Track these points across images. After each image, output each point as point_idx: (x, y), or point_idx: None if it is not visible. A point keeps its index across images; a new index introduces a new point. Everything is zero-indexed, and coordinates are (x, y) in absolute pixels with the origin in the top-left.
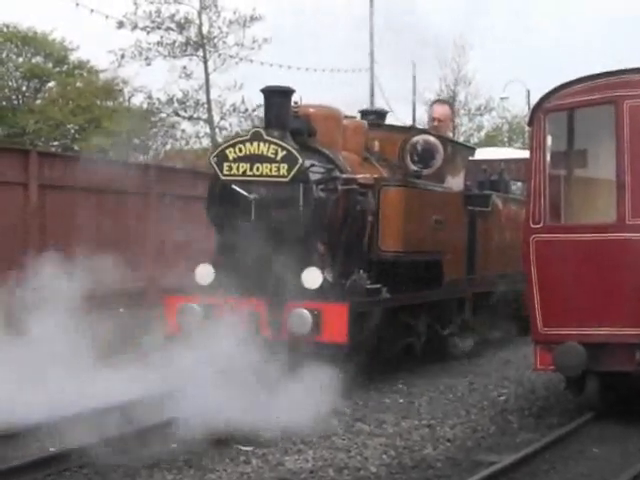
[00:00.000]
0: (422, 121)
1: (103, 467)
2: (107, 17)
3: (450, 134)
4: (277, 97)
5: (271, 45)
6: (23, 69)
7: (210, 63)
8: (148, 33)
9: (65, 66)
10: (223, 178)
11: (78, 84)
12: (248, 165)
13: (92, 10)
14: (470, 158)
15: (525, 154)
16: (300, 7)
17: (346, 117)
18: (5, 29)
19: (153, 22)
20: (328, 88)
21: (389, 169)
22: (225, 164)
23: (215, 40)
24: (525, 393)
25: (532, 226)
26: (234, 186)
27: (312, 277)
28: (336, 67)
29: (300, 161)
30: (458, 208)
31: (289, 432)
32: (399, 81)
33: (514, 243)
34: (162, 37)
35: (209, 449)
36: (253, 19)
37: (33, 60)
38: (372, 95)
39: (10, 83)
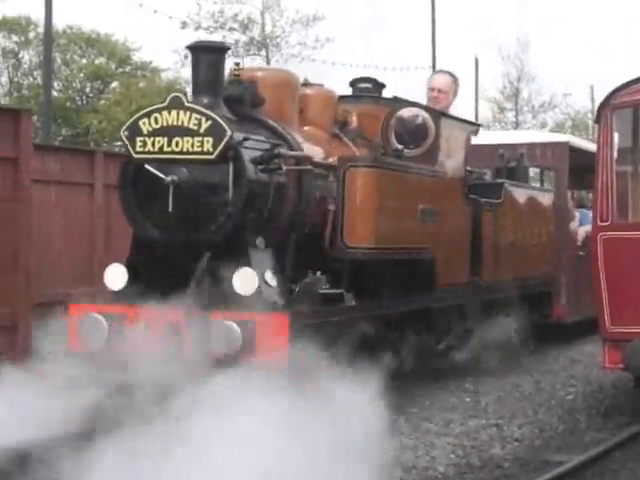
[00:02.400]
0: (485, 117)
1: None
2: (170, 18)
3: (452, 109)
4: (207, 55)
5: (333, 43)
6: (87, 70)
7: (273, 62)
8: (211, 33)
9: (128, 67)
10: (136, 157)
11: (141, 84)
12: (166, 140)
13: (155, 11)
14: (474, 137)
15: (551, 137)
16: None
17: (307, 84)
18: (69, 31)
19: (216, 22)
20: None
21: (369, 149)
22: (138, 139)
23: (278, 39)
24: (593, 392)
25: (599, 224)
26: (147, 166)
27: (244, 280)
28: (398, 65)
29: (229, 133)
30: (456, 197)
31: None
32: (461, 78)
33: (536, 241)
34: (225, 37)
35: None
36: (316, 18)
37: (96, 61)
38: None
39: (74, 84)
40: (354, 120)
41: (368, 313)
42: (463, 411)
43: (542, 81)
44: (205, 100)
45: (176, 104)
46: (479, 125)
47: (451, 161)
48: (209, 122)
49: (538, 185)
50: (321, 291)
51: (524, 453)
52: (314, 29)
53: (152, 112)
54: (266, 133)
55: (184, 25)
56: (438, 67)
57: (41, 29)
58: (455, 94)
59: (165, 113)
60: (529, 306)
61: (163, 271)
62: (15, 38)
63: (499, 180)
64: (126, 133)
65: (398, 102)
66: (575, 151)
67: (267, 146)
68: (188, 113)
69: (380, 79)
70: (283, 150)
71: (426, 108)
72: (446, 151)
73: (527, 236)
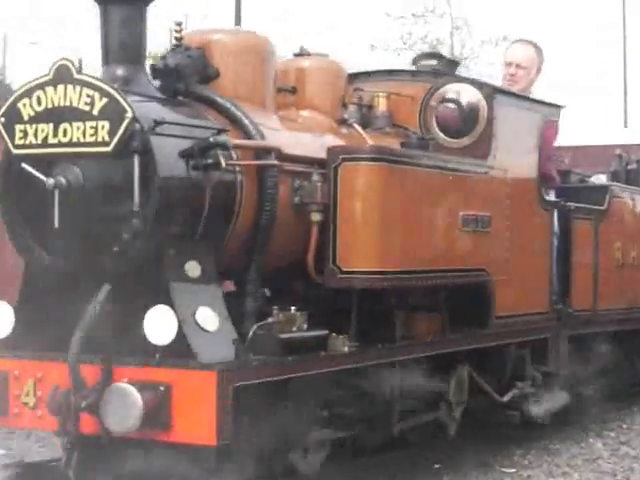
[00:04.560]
0: None
1: None
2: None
3: (534, 90)
4: (119, 8)
5: None
6: None
7: None
8: (399, 55)
9: None
10: (15, 152)
11: None
12: (51, 127)
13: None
14: (553, 119)
15: None
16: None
17: (304, 54)
18: None
19: (405, 43)
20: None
21: (401, 139)
22: (18, 128)
23: (467, 61)
24: None
25: None
26: (25, 165)
27: (159, 323)
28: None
29: (129, 115)
30: (524, 200)
31: (553, 455)
32: None
33: None
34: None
35: (473, 470)
36: (505, 39)
37: None
38: (625, 114)
39: None
40: (382, 102)
41: (366, 362)
42: None
43: None
44: (119, 71)
45: (63, 76)
46: (559, 106)
47: (515, 153)
48: (104, 100)
49: None
50: (285, 335)
51: None
52: (503, 49)
53: (34, 89)
54: (217, 116)
55: (372, 47)
56: (630, 90)
57: None
58: (539, 70)
59: (50, 90)
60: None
61: (59, 311)
62: None
63: (604, 183)
64: (2, 120)
65: (440, 77)
66: None
67: (207, 134)
68: (78, 88)
69: (567, 103)
70: (223, 138)
71: (475, 83)
72: (506, 140)
73: None
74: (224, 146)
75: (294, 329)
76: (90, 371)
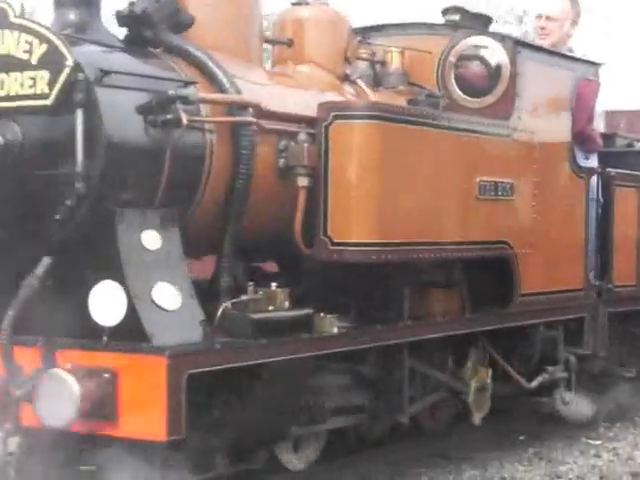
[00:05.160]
0: None
1: None
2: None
3: (570, 44)
4: None
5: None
6: None
7: None
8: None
9: None
10: None
11: None
12: None
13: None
14: (591, 78)
15: None
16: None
17: (302, 3)
18: None
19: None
20: None
21: (413, 98)
22: None
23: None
24: None
25: None
26: None
27: (105, 301)
28: None
29: (69, 63)
30: (554, 165)
31: (639, 427)
32: None
33: None
34: (499, 30)
35: (558, 442)
36: (589, 11)
37: None
38: None
39: None
40: (396, 58)
41: (355, 346)
42: None
43: None
44: (72, 16)
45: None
46: (596, 64)
47: (544, 114)
48: (44, 46)
49: None
50: (257, 315)
51: None
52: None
53: None
54: (188, 68)
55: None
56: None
57: None
58: (574, 23)
59: None
60: None
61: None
62: None
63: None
64: None
65: (460, 30)
66: None
67: (171, 87)
68: (15, 34)
69: None
70: (186, 91)
71: (497, 36)
72: (532, 99)
73: None
74: (187, 100)
75: (271, 308)
76: (28, 355)
